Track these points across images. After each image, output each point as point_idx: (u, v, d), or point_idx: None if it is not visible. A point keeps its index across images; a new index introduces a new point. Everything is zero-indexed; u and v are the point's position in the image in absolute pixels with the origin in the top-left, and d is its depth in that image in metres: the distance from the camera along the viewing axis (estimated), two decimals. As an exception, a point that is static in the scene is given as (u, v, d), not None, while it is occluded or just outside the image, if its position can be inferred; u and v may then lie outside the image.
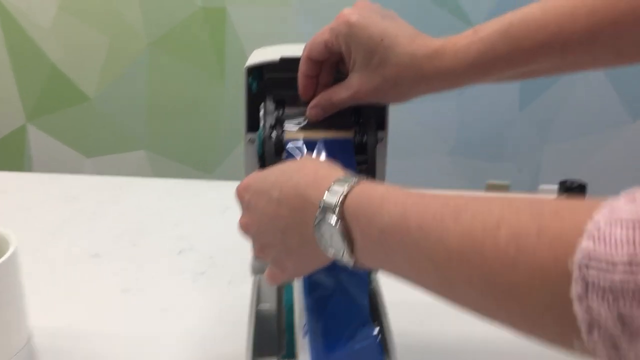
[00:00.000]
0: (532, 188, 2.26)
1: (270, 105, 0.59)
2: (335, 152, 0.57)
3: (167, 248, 0.98)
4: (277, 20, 2.13)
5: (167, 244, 0.99)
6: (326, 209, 0.43)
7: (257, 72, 0.60)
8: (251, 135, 0.63)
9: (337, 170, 0.47)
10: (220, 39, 2.14)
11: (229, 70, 2.15)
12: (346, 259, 0.43)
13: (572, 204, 0.31)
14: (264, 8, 2.12)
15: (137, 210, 1.11)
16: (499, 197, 0.35)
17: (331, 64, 0.58)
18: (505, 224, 0.32)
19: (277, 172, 0.50)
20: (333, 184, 0.44)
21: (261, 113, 0.60)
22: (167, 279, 0.90)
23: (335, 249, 0.43)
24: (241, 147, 0.61)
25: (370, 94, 0.56)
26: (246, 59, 0.60)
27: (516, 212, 0.32)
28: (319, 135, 0.58)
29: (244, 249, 1.03)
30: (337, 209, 0.42)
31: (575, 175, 2.25)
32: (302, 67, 0.58)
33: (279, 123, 0.58)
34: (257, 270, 0.71)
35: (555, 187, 2.27)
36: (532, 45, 0.50)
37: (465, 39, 0.52)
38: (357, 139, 0.58)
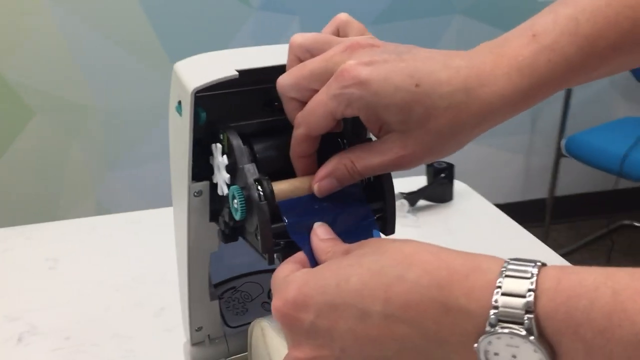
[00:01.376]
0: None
1: (240, 146, 0.41)
2: (344, 205, 0.42)
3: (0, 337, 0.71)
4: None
5: (-4, 331, 0.72)
6: (504, 317, 0.30)
7: (204, 97, 0.42)
8: (198, 186, 0.45)
9: (476, 256, 0.33)
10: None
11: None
12: None
13: None
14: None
15: None
16: None
17: None
18: None
19: (360, 271, 0.34)
20: (501, 278, 0.31)
21: (220, 159, 0.42)
22: (20, 384, 0.65)
23: None
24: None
25: (421, 157, 0.40)
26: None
27: None
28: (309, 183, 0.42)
29: (109, 312, 0.81)
30: (532, 317, 0.29)
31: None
32: (297, 149, 0.42)
33: (262, 173, 0.40)
34: (198, 360, 0.52)
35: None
36: (605, 47, 0.40)
37: (526, 49, 0.39)
38: (365, 179, 0.43)
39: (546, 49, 0.39)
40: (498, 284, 0.30)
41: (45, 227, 0.96)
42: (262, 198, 0.39)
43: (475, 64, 0.39)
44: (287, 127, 0.45)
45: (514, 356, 0.30)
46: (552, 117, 2.26)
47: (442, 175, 1.00)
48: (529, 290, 0.30)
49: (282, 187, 0.41)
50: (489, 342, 0.30)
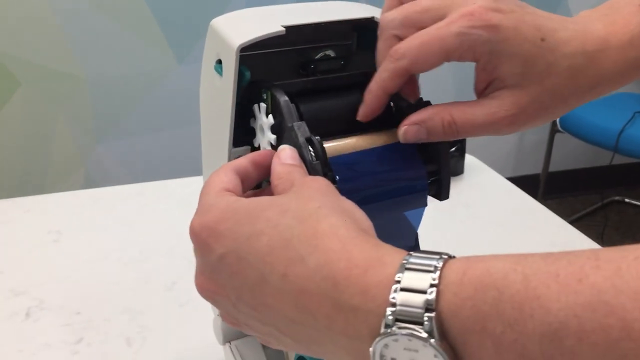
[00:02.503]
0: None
1: (288, 104, 0.38)
2: (398, 167, 0.39)
3: (6, 312, 0.68)
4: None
5: (2, 305, 0.69)
6: (402, 317, 0.26)
7: (245, 56, 0.39)
8: (239, 151, 0.42)
9: (383, 248, 0.29)
10: None
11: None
12: None
13: None
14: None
15: None
16: None
17: None
18: None
19: (272, 233, 0.31)
20: (401, 272, 0.27)
21: (264, 120, 0.39)
22: (32, 361, 0.62)
23: None
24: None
25: (530, 119, 0.38)
26: None
27: None
28: (362, 142, 0.39)
29: (118, 287, 0.78)
30: (432, 316, 0.26)
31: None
32: (387, 83, 0.39)
33: (313, 132, 0.38)
34: (229, 336, 0.50)
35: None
36: None
37: (635, 17, 0.39)
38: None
39: None
40: (397, 279, 0.27)
41: (45, 199, 0.92)
42: (314, 158, 0.36)
43: (588, 30, 0.39)
44: (329, 89, 0.42)
45: None
46: (547, 92, 2.24)
47: (454, 148, 0.98)
48: (431, 285, 0.26)
49: (333, 147, 0.38)
50: (385, 346, 0.27)
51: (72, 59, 1.83)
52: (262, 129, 0.40)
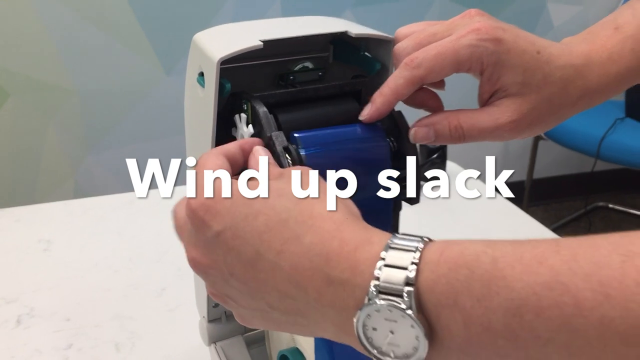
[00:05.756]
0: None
1: (266, 114, 0.40)
2: (368, 148, 0.42)
3: (-3, 320, 0.70)
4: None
5: (-7, 313, 0.71)
6: (384, 290, 0.29)
7: (225, 69, 0.41)
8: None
9: (372, 230, 0.33)
10: None
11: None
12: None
13: None
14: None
15: None
16: None
17: None
18: None
19: (269, 213, 0.33)
20: (386, 251, 0.30)
21: (244, 129, 0.41)
22: (23, 366, 0.63)
23: (397, 347, 0.30)
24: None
25: (530, 125, 0.42)
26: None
27: None
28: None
29: (109, 294, 0.79)
30: (411, 290, 0.29)
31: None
32: (401, 90, 0.41)
33: (289, 141, 0.40)
34: (214, 337, 0.51)
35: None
36: None
37: (612, 39, 0.44)
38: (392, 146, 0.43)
39: (629, 39, 0.44)
40: (382, 256, 0.30)
41: (35, 209, 0.94)
42: (291, 166, 0.39)
43: (574, 48, 0.44)
44: (306, 100, 0.45)
45: (392, 332, 0.30)
46: (531, 100, 2.27)
47: (435, 155, 1.01)
48: (412, 263, 0.29)
49: None
50: (368, 316, 0.30)
51: (61, 70, 1.85)
52: (242, 138, 0.42)
